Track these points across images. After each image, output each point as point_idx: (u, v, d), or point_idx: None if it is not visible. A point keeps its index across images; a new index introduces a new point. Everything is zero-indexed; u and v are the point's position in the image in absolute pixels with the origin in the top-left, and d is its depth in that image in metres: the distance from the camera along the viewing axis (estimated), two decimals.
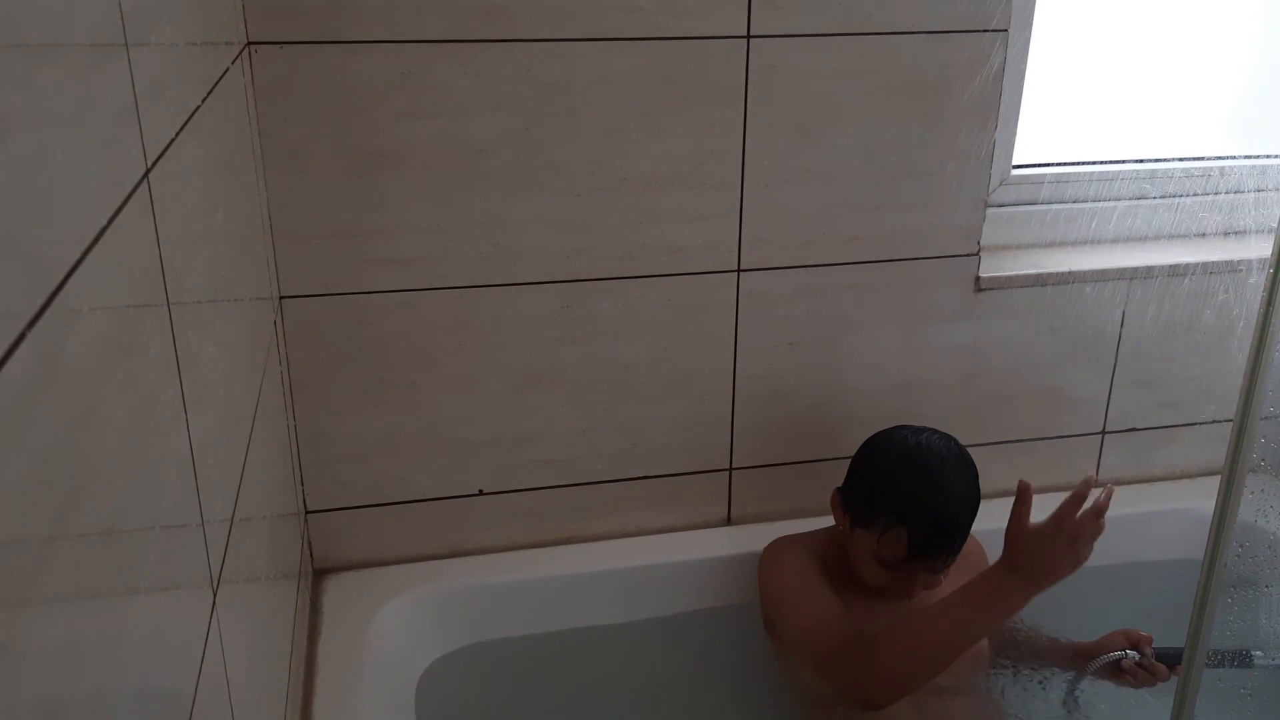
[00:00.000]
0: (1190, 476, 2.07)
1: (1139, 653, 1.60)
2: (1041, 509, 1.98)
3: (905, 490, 1.55)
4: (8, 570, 0.48)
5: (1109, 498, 1.47)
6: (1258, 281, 1.86)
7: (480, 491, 1.79)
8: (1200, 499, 1.87)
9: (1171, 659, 1.59)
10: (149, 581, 0.72)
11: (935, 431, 1.61)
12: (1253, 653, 1.47)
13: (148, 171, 0.77)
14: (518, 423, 1.76)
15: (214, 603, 0.92)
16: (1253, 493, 1.09)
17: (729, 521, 1.92)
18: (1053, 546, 1.44)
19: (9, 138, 0.51)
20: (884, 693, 1.49)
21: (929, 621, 1.47)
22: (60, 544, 0.55)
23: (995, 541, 1.78)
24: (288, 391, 1.63)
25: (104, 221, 0.65)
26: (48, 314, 0.53)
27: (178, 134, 0.89)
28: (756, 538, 1.80)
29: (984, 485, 1.96)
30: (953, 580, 1.64)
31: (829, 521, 1.68)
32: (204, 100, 1.04)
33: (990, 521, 1.85)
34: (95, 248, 0.62)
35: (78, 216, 0.61)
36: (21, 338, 0.49)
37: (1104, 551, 1.95)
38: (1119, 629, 1.64)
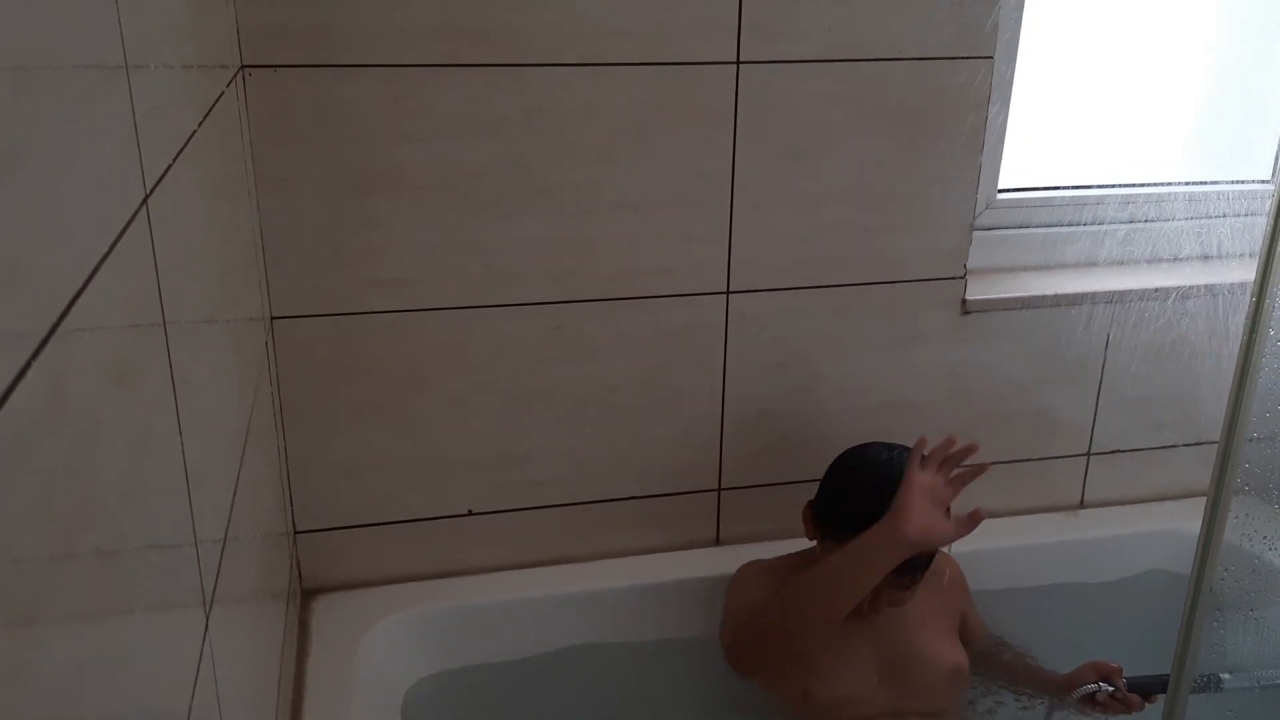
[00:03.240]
0: (1175, 498, 2.08)
1: (1111, 685, 1.60)
2: (1032, 529, 2.01)
3: (876, 507, 1.56)
4: (16, 593, 0.49)
5: (957, 450, 1.51)
6: (1241, 305, 1.89)
7: (469, 512, 1.79)
8: (1185, 520, 1.88)
9: (1143, 688, 1.60)
10: (146, 602, 0.72)
11: (905, 449, 1.62)
12: (1222, 676, 1.48)
13: (146, 197, 0.78)
14: (507, 443, 1.76)
15: (207, 623, 0.93)
16: (1237, 517, 1.10)
17: (718, 542, 1.92)
18: (914, 502, 1.47)
19: (18, 169, 0.51)
20: (785, 639, 1.54)
21: (825, 564, 1.51)
22: (64, 569, 0.56)
23: (973, 563, 1.80)
24: (278, 412, 1.63)
25: (105, 249, 0.65)
26: (51, 343, 0.54)
27: (175, 159, 0.90)
28: (745, 558, 1.80)
29: (968, 506, 1.97)
30: (925, 597, 1.65)
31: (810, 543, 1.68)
32: (200, 124, 1.04)
33: (970, 543, 1.87)
34: (96, 275, 0.63)
35: (81, 245, 0.62)
36: (27, 367, 0.50)
37: (1091, 573, 1.98)
38: (1088, 662, 1.65)
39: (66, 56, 0.62)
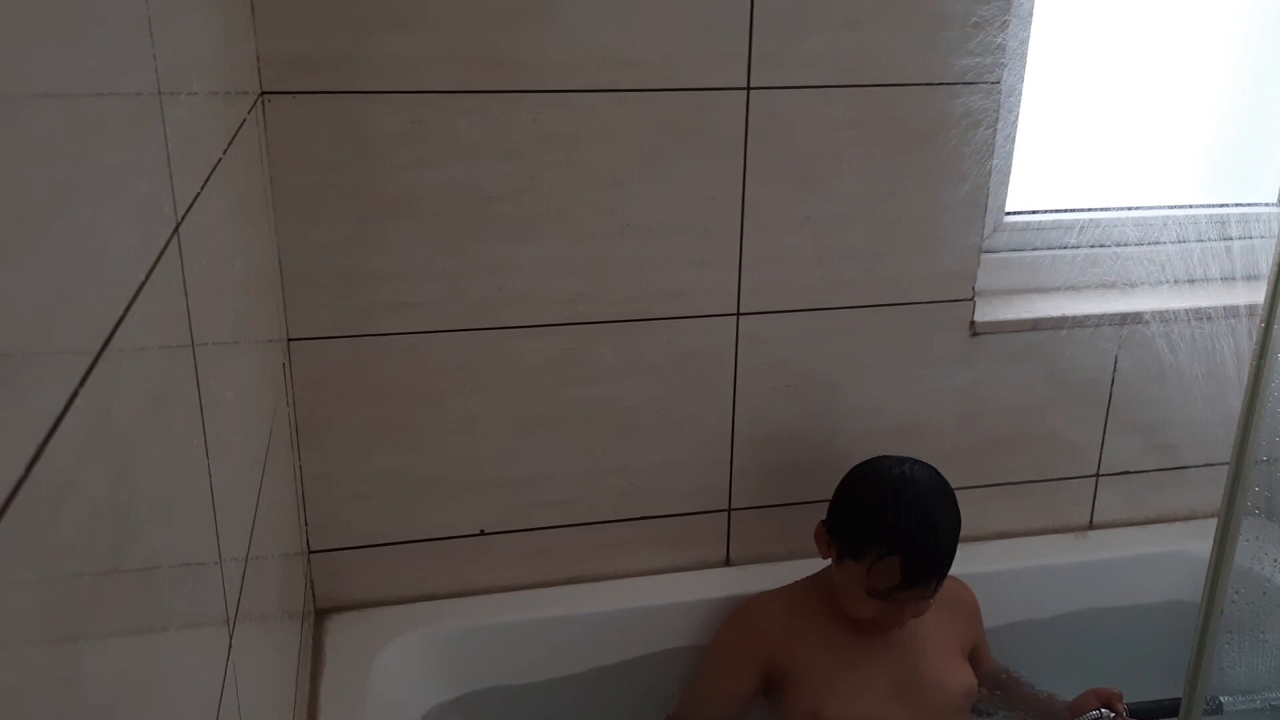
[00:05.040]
0: (1184, 519, 2.09)
1: (1113, 710, 1.61)
2: (1041, 550, 2.02)
3: (895, 520, 1.57)
4: (65, 612, 0.50)
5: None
6: (1250, 327, 1.90)
7: (482, 532, 1.80)
8: (1195, 541, 1.89)
9: (1146, 715, 1.61)
10: (178, 621, 0.74)
11: (916, 461, 1.63)
12: (1221, 699, 1.48)
13: (178, 225, 0.80)
14: (520, 464, 1.78)
15: (230, 642, 0.94)
16: (1247, 539, 1.11)
17: (728, 562, 1.93)
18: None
19: (69, 202, 0.53)
20: None
21: None
22: (105, 588, 0.57)
23: (982, 584, 1.81)
24: (294, 432, 1.64)
25: (142, 277, 0.67)
26: (97, 370, 0.56)
27: (203, 186, 0.92)
28: (755, 578, 1.82)
29: (979, 527, 1.99)
30: (938, 619, 1.66)
31: (826, 563, 1.69)
32: (225, 151, 1.06)
33: (980, 564, 1.88)
34: (135, 304, 0.64)
35: (121, 273, 0.64)
36: (75, 394, 0.52)
37: (1100, 594, 1.99)
38: (1090, 689, 1.66)
39: (108, 91, 0.64)
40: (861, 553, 1.57)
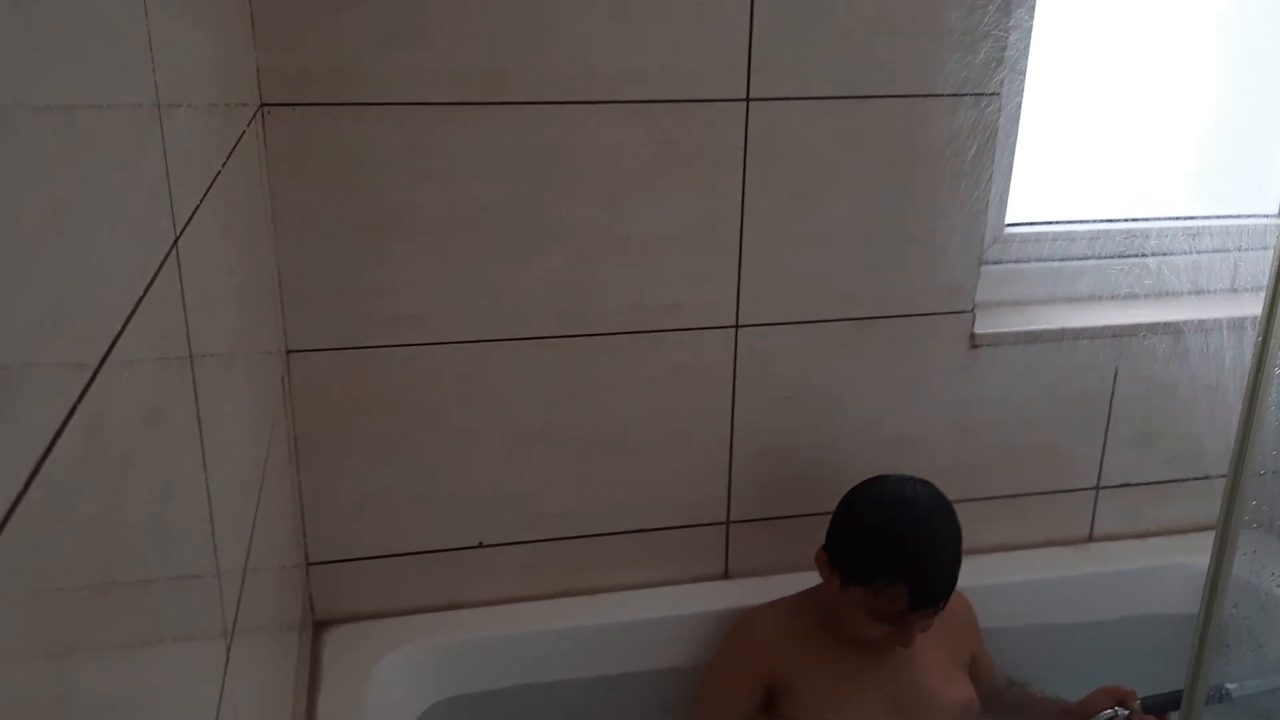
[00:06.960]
0: (1184, 532, 2.08)
1: (1126, 708, 1.61)
2: (1040, 563, 2.01)
3: (899, 548, 1.55)
4: (58, 627, 0.50)
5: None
6: (1248, 339, 1.90)
7: (480, 544, 1.80)
8: (1194, 554, 1.89)
9: (1158, 708, 1.60)
10: (174, 634, 0.74)
11: (916, 481, 1.62)
12: (1227, 686, 1.48)
13: (176, 239, 0.80)
14: (518, 476, 1.77)
15: (228, 655, 0.94)
16: (1245, 552, 1.11)
17: (726, 575, 1.93)
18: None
19: (64, 221, 0.53)
20: None
21: None
22: (100, 603, 0.57)
23: (982, 597, 1.81)
24: (292, 444, 1.64)
25: (141, 292, 0.67)
26: (94, 386, 0.56)
27: (202, 200, 0.92)
28: (753, 592, 1.81)
29: (979, 541, 1.99)
30: (936, 634, 1.65)
31: (818, 579, 1.69)
32: (224, 164, 1.07)
33: (980, 578, 1.88)
34: (133, 318, 0.65)
35: (119, 289, 0.64)
36: (73, 410, 0.52)
37: (1099, 607, 1.98)
38: (1101, 687, 1.65)
39: (106, 105, 0.64)
40: (867, 580, 1.55)
